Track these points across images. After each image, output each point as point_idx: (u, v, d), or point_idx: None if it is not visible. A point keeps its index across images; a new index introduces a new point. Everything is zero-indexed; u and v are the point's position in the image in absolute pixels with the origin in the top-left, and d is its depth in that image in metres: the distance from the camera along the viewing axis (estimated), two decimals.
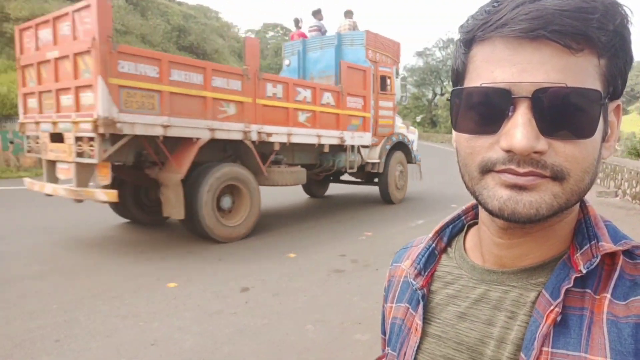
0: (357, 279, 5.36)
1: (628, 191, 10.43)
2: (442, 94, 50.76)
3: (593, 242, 0.57)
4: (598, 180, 13.36)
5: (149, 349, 3.65)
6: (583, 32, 0.49)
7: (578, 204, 0.61)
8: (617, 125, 0.60)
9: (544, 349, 0.53)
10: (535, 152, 0.51)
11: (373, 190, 11.78)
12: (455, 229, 0.74)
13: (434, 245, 0.72)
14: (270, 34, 49.21)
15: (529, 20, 0.49)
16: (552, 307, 0.54)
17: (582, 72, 0.51)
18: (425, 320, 0.67)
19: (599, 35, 0.50)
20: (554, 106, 0.50)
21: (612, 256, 0.56)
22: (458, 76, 0.60)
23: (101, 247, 6.62)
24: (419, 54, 53.96)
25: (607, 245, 0.55)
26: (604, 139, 0.56)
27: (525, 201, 0.52)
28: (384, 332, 0.80)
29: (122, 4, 22.84)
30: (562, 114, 0.50)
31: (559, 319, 0.53)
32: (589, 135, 0.51)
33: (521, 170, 0.51)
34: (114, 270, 5.56)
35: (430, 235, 0.73)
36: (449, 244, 0.73)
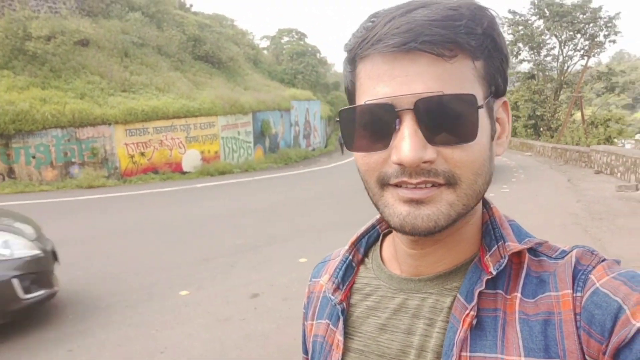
0: None
1: None
2: None
3: (500, 242, 0.58)
4: (618, 174, 13.06)
5: (158, 357, 3.74)
6: (452, 39, 0.50)
7: (480, 205, 0.62)
8: (507, 120, 0.61)
9: (463, 353, 0.54)
10: (426, 162, 0.51)
11: None
12: (371, 239, 0.72)
13: (350, 257, 0.70)
14: (286, 39, 49.42)
15: (401, 34, 0.50)
16: (467, 311, 0.55)
17: (459, 78, 0.52)
18: (347, 335, 0.65)
19: (468, 40, 0.51)
20: (435, 114, 0.51)
21: (518, 255, 0.58)
22: (350, 95, 0.61)
23: (118, 257, 6.78)
24: None
25: (513, 245, 0.57)
26: (493, 137, 0.57)
27: (423, 215, 0.53)
28: (305, 352, 0.78)
29: (138, 17, 23.30)
30: (444, 121, 0.51)
31: (474, 322, 0.54)
32: (471, 139, 0.52)
33: (414, 180, 0.52)
34: (129, 280, 5.70)
35: (346, 247, 0.72)
36: (365, 254, 0.71)
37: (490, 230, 0.60)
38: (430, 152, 0.51)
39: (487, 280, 0.56)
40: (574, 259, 0.55)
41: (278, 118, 25.20)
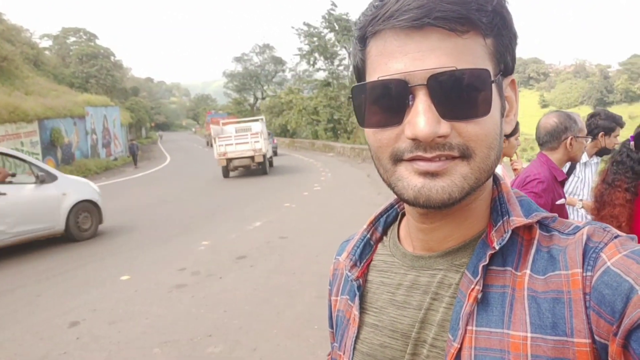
0: (201, 291, 5.17)
1: None
2: (263, 98, 51.95)
3: (505, 217, 0.59)
4: None
5: None
6: (464, 15, 0.51)
7: (491, 182, 0.63)
8: (515, 99, 0.62)
9: (469, 327, 0.55)
10: (440, 137, 0.52)
11: (197, 199, 11.67)
12: (390, 219, 0.74)
13: (368, 235, 0.72)
14: (72, 39, 44.50)
15: (413, 10, 0.51)
16: (473, 286, 0.55)
17: (471, 53, 0.52)
18: (363, 309, 0.67)
19: (480, 16, 0.52)
20: (449, 90, 0.51)
21: (529, 231, 0.58)
22: (359, 73, 0.60)
23: None
24: (237, 60, 54.47)
25: (517, 220, 0.57)
26: (502, 114, 0.58)
27: (438, 187, 0.53)
28: (331, 326, 0.80)
29: None
30: (458, 96, 0.52)
31: (479, 296, 0.55)
32: (485, 113, 0.53)
33: (429, 155, 0.53)
34: None
35: (365, 226, 0.73)
36: (384, 233, 0.73)
37: (498, 206, 0.61)
38: (444, 127, 0.52)
39: (494, 256, 0.57)
40: (585, 236, 0.54)
41: (71, 126, 22.49)
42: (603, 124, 3.18)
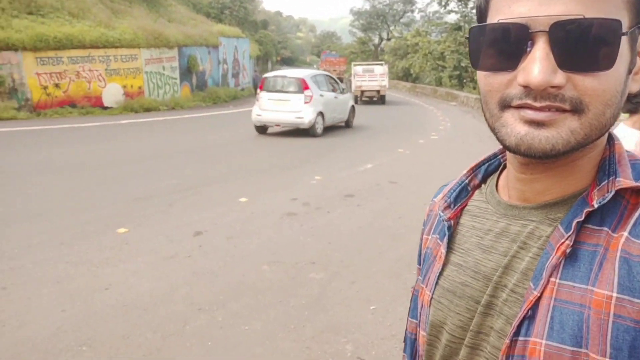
0: (309, 222, 5.47)
1: None
2: (388, 39, 50.53)
3: (612, 178, 0.56)
4: None
5: (103, 294, 3.62)
6: None
7: (605, 140, 0.60)
8: None
9: (552, 279, 0.54)
10: (553, 87, 0.50)
11: (323, 138, 12.07)
12: (491, 167, 0.74)
13: (467, 181, 0.74)
14: None
15: None
16: (563, 240, 0.54)
17: (604, 1, 0.49)
18: (450, 249, 0.69)
19: None
20: (572, 39, 0.48)
21: (638, 196, 0.54)
22: (481, 14, 0.59)
23: (39, 195, 6.33)
24: None
25: (625, 181, 0.54)
26: (630, 71, 0.54)
27: (541, 137, 0.52)
28: (419, 262, 0.84)
29: None
30: (580, 46, 0.49)
31: (568, 251, 0.53)
32: (607, 67, 0.50)
33: (538, 104, 0.51)
34: (58, 217, 5.37)
35: (465, 171, 0.74)
36: (484, 181, 0.74)
37: (606, 166, 0.58)
38: (559, 77, 0.50)
39: (591, 215, 0.54)
40: None
41: (205, 54, 23.99)
42: None
